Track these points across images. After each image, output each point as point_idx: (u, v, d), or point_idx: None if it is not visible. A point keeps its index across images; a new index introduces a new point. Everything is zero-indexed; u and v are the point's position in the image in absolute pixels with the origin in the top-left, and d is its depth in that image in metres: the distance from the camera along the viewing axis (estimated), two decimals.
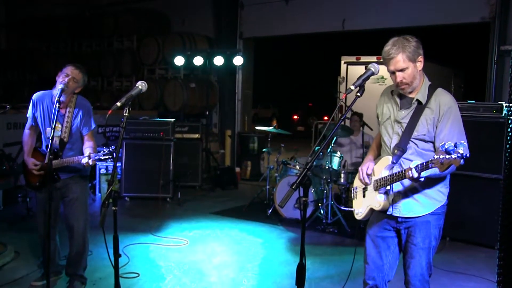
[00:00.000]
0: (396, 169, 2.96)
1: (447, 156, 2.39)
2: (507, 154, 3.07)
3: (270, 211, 7.19)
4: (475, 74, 10.89)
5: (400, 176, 2.82)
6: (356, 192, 3.33)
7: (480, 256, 5.58)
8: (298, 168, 7.13)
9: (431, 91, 2.95)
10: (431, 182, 2.91)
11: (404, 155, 2.96)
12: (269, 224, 6.81)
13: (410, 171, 2.69)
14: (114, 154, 3.68)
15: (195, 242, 5.94)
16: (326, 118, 14.58)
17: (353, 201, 3.36)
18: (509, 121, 3.39)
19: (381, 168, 3.04)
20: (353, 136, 7.73)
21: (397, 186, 2.97)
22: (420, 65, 2.91)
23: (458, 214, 5.69)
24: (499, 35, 8.20)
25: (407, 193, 2.98)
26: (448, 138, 2.79)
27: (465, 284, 4.78)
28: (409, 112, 2.96)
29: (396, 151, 2.96)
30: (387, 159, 3.02)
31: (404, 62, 2.84)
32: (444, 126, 2.86)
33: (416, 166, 2.66)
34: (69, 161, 4.03)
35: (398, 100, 3.03)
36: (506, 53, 8.11)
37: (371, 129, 7.40)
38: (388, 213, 3.02)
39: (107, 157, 3.79)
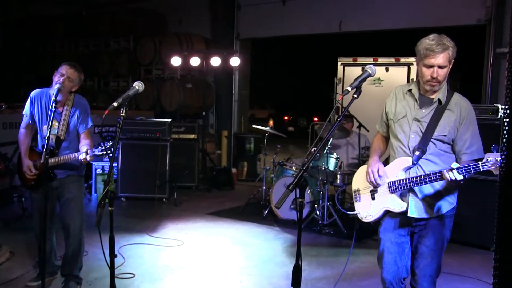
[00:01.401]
0: (414, 170, 2.98)
1: None
2: (503, 156, 3.07)
3: (266, 212, 7.19)
4: (471, 76, 10.91)
5: (434, 178, 2.82)
6: (359, 195, 3.30)
7: (476, 258, 5.60)
8: (294, 169, 7.14)
9: (449, 94, 3.00)
10: (451, 186, 2.92)
11: (423, 156, 2.97)
12: (265, 225, 6.81)
13: (451, 173, 2.69)
14: (112, 149, 3.66)
15: (191, 242, 5.93)
16: (316, 119, 14.50)
17: (356, 204, 3.31)
18: (505, 123, 3.39)
19: (397, 170, 3.04)
20: (349, 138, 7.74)
21: (416, 188, 2.97)
22: (450, 68, 2.95)
23: (454, 215, 5.70)
24: (495, 37, 8.24)
25: (425, 195, 2.98)
26: (471, 141, 2.91)
27: (460, 285, 4.80)
28: (430, 111, 2.99)
29: (416, 152, 2.96)
30: (405, 160, 3.02)
31: (446, 61, 2.88)
32: (466, 130, 2.93)
33: (459, 168, 2.68)
34: (65, 159, 4.03)
35: (418, 98, 3.04)
36: (502, 55, 8.14)
37: (368, 131, 7.41)
38: (409, 215, 3.00)
39: (104, 152, 3.79)
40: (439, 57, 2.86)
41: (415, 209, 3.00)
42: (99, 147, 3.80)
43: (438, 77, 2.90)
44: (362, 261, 5.33)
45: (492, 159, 2.53)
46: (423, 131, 2.97)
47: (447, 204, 3.02)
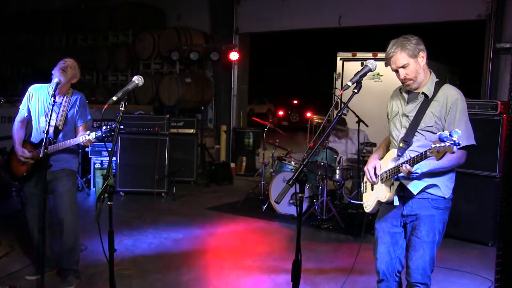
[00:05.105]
0: (401, 161, 2.99)
1: (441, 144, 2.43)
2: (505, 152, 3.07)
3: (265, 207, 7.19)
4: (471, 72, 10.90)
5: (396, 170, 2.88)
6: (365, 186, 3.39)
7: (474, 253, 5.61)
8: (293, 163, 7.13)
9: (438, 86, 3.01)
10: (432, 174, 2.93)
11: (412, 148, 2.99)
12: (264, 220, 6.81)
13: (404, 165, 2.76)
14: (113, 132, 3.66)
15: (189, 237, 5.93)
16: (309, 114, 14.40)
17: (363, 195, 3.41)
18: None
19: (388, 161, 3.09)
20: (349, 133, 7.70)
21: (402, 178, 2.97)
22: (422, 60, 2.97)
23: (453, 211, 5.64)
24: (495, 32, 8.22)
25: (410, 183, 2.98)
26: (457, 127, 2.84)
27: (458, 280, 4.80)
28: (416, 105, 3.02)
29: (401, 144, 3.01)
30: (393, 152, 3.08)
31: (404, 59, 2.93)
32: (454, 118, 2.93)
33: (408, 160, 2.74)
34: (65, 144, 4.05)
35: (406, 95, 3.10)
36: (502, 51, 8.13)
37: (367, 126, 7.39)
38: (394, 204, 3.03)
39: (108, 134, 3.79)
40: (396, 60, 2.93)
41: (400, 199, 3.04)
42: (103, 128, 3.80)
43: (406, 76, 2.96)
44: (361, 256, 5.32)
45: (434, 145, 2.49)
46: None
47: (436, 191, 3.00)
